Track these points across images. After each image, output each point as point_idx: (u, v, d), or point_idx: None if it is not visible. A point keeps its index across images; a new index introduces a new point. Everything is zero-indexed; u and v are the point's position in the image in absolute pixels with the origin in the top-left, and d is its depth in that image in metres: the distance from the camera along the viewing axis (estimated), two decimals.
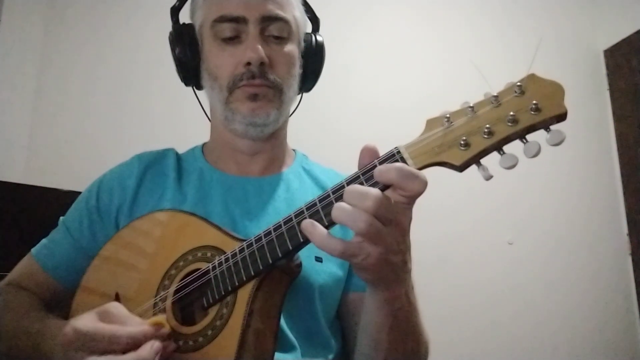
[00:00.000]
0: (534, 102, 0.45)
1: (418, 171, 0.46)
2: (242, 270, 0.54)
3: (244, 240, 0.56)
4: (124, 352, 0.48)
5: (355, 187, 0.46)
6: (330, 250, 0.46)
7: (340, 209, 0.45)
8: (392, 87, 2.27)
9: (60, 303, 0.71)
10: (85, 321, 0.50)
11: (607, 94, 2.45)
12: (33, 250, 0.75)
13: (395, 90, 2.27)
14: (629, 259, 2.28)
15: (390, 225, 0.46)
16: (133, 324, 0.50)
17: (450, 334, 1.99)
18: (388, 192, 0.47)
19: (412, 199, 0.47)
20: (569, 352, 2.14)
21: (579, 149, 2.32)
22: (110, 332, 0.49)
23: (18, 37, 1.97)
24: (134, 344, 0.48)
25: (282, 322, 0.64)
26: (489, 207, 2.20)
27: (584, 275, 2.24)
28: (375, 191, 0.45)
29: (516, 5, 2.47)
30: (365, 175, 0.49)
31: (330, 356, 0.69)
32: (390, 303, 0.53)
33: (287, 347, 0.64)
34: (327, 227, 0.48)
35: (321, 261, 0.70)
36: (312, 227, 0.46)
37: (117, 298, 0.62)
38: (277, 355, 0.56)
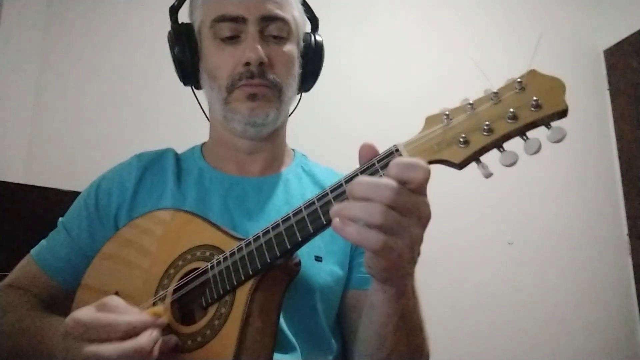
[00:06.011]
0: (535, 98, 0.43)
1: (416, 160, 0.43)
2: (240, 270, 0.54)
3: (243, 240, 0.56)
4: (123, 340, 0.48)
5: (366, 177, 0.43)
6: (347, 234, 0.42)
7: (353, 203, 0.42)
8: (391, 86, 2.28)
9: (59, 304, 0.71)
10: (85, 312, 0.50)
11: (607, 94, 2.46)
12: (32, 251, 0.75)
13: (395, 89, 2.27)
14: (629, 259, 2.28)
15: (412, 216, 0.42)
16: (131, 314, 0.51)
17: (450, 334, 2.00)
18: None
19: (422, 189, 0.44)
20: (569, 352, 2.13)
21: (579, 148, 2.32)
22: (108, 321, 0.49)
23: (18, 37, 1.97)
24: (133, 333, 0.49)
25: (282, 322, 0.64)
26: (489, 207, 2.19)
27: (584, 275, 2.24)
28: (388, 180, 0.42)
29: (516, 6, 2.47)
30: (364, 173, 0.47)
31: (331, 357, 0.69)
32: (397, 299, 0.52)
33: (287, 348, 0.64)
34: (325, 226, 0.48)
35: (321, 260, 0.69)
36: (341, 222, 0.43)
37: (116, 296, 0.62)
38: (276, 356, 0.56)
